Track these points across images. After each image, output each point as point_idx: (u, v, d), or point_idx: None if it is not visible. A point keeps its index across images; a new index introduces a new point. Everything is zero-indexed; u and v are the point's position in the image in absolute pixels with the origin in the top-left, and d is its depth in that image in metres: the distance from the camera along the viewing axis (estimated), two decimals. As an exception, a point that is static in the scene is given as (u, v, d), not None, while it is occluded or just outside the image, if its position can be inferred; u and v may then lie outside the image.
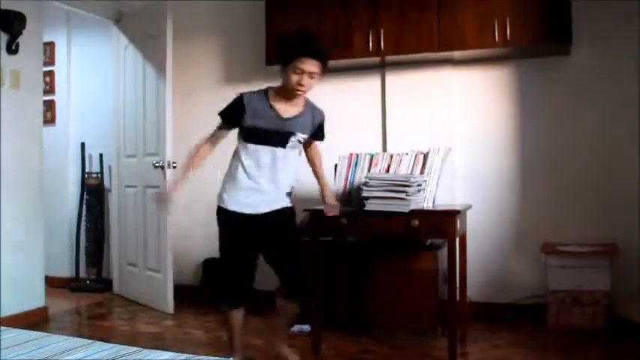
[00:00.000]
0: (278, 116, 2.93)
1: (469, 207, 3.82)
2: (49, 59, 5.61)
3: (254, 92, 2.98)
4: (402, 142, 4.27)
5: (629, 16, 4.00)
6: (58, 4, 4.76)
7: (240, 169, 2.96)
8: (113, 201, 5.33)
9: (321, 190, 3.26)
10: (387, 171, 3.54)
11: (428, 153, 3.52)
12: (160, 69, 4.56)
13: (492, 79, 4.34)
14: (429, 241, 3.88)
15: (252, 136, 2.92)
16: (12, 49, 4.17)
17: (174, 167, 4.49)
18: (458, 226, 3.35)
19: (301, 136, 2.99)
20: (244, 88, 5.05)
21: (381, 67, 4.51)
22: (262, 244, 3.03)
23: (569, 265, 3.86)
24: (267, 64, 4.46)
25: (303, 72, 2.81)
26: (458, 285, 3.53)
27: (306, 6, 4.32)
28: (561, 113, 4.19)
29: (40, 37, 4.53)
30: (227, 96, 4.91)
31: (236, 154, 3.01)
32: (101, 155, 5.55)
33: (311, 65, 2.81)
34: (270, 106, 2.93)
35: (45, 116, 5.07)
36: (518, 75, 4.28)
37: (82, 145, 5.60)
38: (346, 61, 4.34)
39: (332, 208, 3.25)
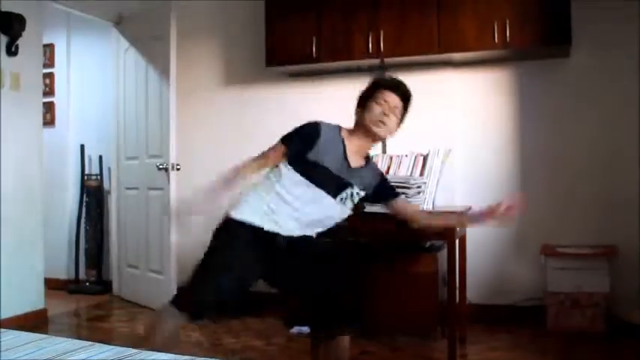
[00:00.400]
0: (345, 161, 2.51)
1: (469, 208, 3.82)
2: (49, 61, 5.61)
3: (329, 124, 2.56)
4: (401, 144, 4.25)
5: (629, 18, 4.00)
6: (57, 6, 4.77)
7: (272, 193, 2.47)
8: (113, 203, 5.33)
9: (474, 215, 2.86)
10: (387, 172, 3.53)
11: (427, 155, 3.51)
12: (164, 70, 4.55)
13: (492, 80, 4.34)
14: (428, 243, 3.87)
15: (309, 171, 2.45)
16: (12, 50, 4.17)
17: (178, 169, 4.49)
18: (457, 227, 3.35)
19: (357, 191, 2.55)
20: (244, 90, 5.08)
21: (381, 69, 4.49)
22: (274, 271, 2.56)
23: (569, 266, 3.87)
24: (267, 65, 4.46)
25: (386, 103, 2.52)
26: (457, 287, 3.53)
27: (306, 7, 4.33)
28: (561, 115, 4.20)
29: (40, 39, 4.53)
30: (227, 97, 5.00)
31: (273, 179, 2.51)
32: (101, 157, 5.55)
33: (394, 100, 2.54)
34: (343, 146, 2.52)
35: (44, 118, 5.06)
36: (518, 77, 4.28)
37: (82, 147, 5.60)
38: (346, 63, 4.35)
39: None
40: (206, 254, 2.53)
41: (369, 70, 4.49)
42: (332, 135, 2.52)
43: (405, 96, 2.60)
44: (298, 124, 2.54)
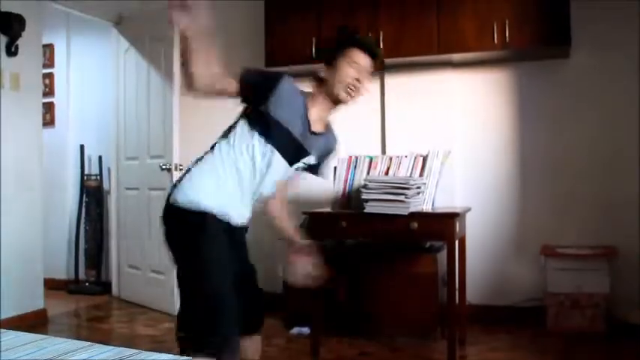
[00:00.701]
0: (308, 125, 2.19)
1: (468, 209, 3.82)
2: (49, 61, 5.62)
3: (292, 79, 2.19)
4: (401, 145, 4.28)
5: (628, 19, 4.00)
6: (57, 6, 4.76)
7: (229, 161, 2.11)
8: (112, 203, 5.33)
9: (293, 241, 2.32)
10: (387, 173, 3.54)
11: (427, 155, 3.52)
12: (166, 71, 4.56)
13: (492, 81, 4.34)
14: (428, 244, 3.88)
15: (269, 132, 2.09)
16: (11, 51, 4.17)
17: (181, 169, 4.49)
18: (457, 228, 3.35)
19: (311, 160, 2.25)
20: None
21: (380, 70, 4.51)
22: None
23: (569, 267, 3.86)
24: (266, 65, 4.46)
25: (359, 66, 2.20)
26: (457, 287, 3.52)
27: (306, 8, 4.33)
28: (561, 115, 4.20)
29: (40, 39, 4.53)
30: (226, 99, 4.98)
31: (229, 142, 2.14)
32: (100, 157, 5.55)
33: (366, 62, 2.21)
34: (306, 109, 2.19)
35: (44, 118, 5.07)
36: (518, 77, 4.28)
37: (82, 147, 5.60)
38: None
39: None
40: (186, 268, 2.05)
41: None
42: (292, 89, 2.16)
43: (378, 59, 2.26)
44: (270, 72, 2.26)
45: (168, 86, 4.54)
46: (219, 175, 2.10)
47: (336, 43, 2.27)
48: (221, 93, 2.13)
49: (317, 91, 2.25)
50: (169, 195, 2.11)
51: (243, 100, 2.17)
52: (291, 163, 2.18)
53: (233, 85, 2.12)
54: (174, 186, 2.14)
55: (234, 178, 2.11)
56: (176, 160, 4.49)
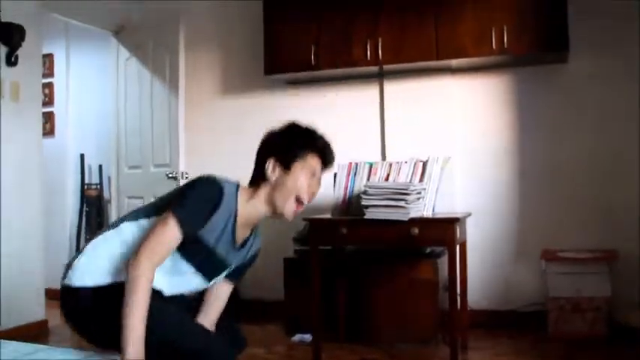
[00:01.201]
0: (233, 239, 1.95)
1: (469, 215, 3.82)
2: (48, 71, 5.63)
3: (228, 186, 1.92)
4: (400, 151, 4.28)
5: (627, 24, 4.01)
6: (56, 16, 4.78)
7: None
8: (112, 212, 5.33)
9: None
10: (387, 179, 3.54)
11: (427, 161, 3.52)
12: (170, 80, 4.58)
13: (490, 87, 4.35)
14: (428, 249, 3.88)
15: (196, 254, 1.89)
16: (11, 61, 4.18)
17: (187, 178, 4.49)
18: (458, 233, 3.35)
19: (230, 270, 2.05)
20: (243, 98, 5.07)
21: (380, 76, 4.52)
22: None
23: (570, 271, 3.86)
24: (265, 73, 4.47)
25: (314, 175, 1.95)
26: (458, 293, 3.52)
27: (305, 15, 4.34)
28: (560, 120, 4.20)
29: (39, 49, 4.54)
30: (226, 105, 5.01)
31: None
32: (100, 166, 5.56)
33: (319, 167, 1.98)
34: (234, 223, 1.92)
35: (44, 128, 5.08)
36: (517, 83, 4.29)
37: (82, 156, 5.61)
38: (345, 70, 4.36)
39: None
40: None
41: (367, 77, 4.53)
42: (229, 206, 1.89)
43: (330, 165, 2.03)
44: (205, 193, 1.88)
45: (173, 94, 4.56)
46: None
47: (294, 145, 1.95)
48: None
49: (255, 194, 1.95)
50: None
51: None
52: (210, 279, 1.99)
53: (176, 237, 1.81)
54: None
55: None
56: (182, 168, 4.51)
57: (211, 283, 2.01)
